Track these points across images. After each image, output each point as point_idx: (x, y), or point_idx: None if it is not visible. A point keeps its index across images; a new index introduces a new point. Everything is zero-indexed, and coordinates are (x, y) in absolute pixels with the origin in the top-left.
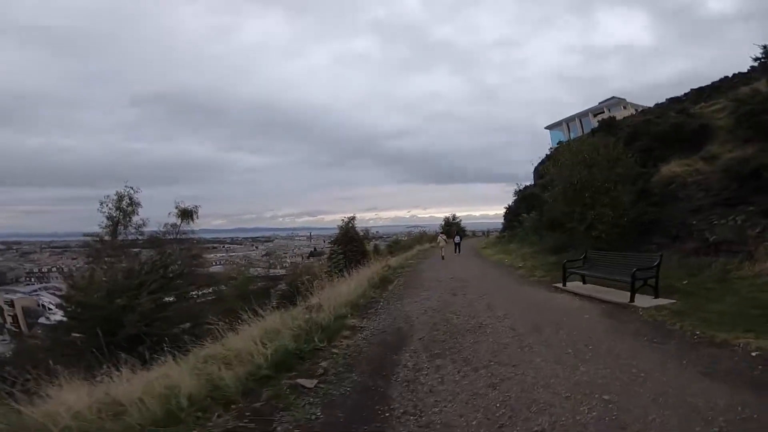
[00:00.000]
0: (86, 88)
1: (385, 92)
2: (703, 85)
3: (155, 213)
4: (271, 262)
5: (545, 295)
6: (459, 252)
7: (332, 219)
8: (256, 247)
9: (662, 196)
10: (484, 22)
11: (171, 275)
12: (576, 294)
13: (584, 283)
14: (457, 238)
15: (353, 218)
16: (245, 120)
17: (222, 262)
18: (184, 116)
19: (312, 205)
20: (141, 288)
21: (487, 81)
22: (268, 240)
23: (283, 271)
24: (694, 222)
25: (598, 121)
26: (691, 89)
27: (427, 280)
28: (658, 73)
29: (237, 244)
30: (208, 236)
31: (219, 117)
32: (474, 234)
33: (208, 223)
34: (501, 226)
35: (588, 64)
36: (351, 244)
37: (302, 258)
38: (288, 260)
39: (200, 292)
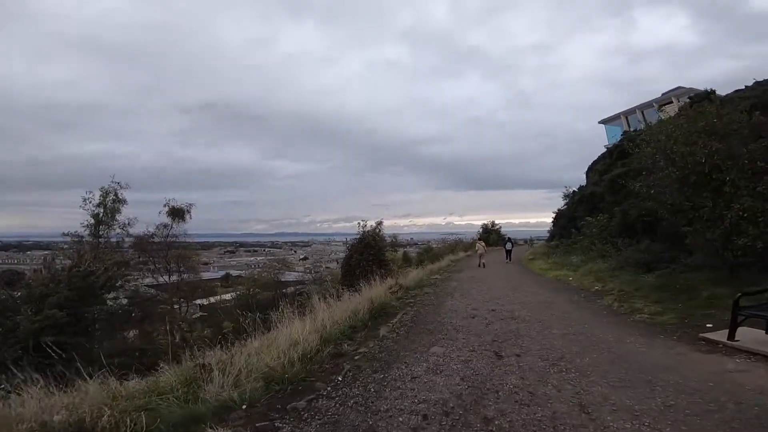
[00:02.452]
0: (140, 98)
1: (418, 99)
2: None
3: (202, 216)
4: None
5: (700, 367)
6: (510, 260)
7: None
8: (295, 251)
9: None
10: (515, 28)
11: (97, 285)
12: None
13: None
14: (508, 245)
15: (380, 223)
16: (286, 128)
17: (251, 266)
18: (230, 124)
19: (348, 211)
20: (44, 299)
21: (522, 86)
22: (306, 244)
23: (294, 276)
24: None
25: (689, 97)
26: None
27: (451, 313)
28: (705, 72)
29: (277, 248)
30: (250, 240)
31: (262, 125)
32: (515, 242)
33: (251, 227)
34: (547, 234)
35: (628, 67)
36: (366, 252)
37: (336, 263)
38: (323, 265)
39: (189, 305)
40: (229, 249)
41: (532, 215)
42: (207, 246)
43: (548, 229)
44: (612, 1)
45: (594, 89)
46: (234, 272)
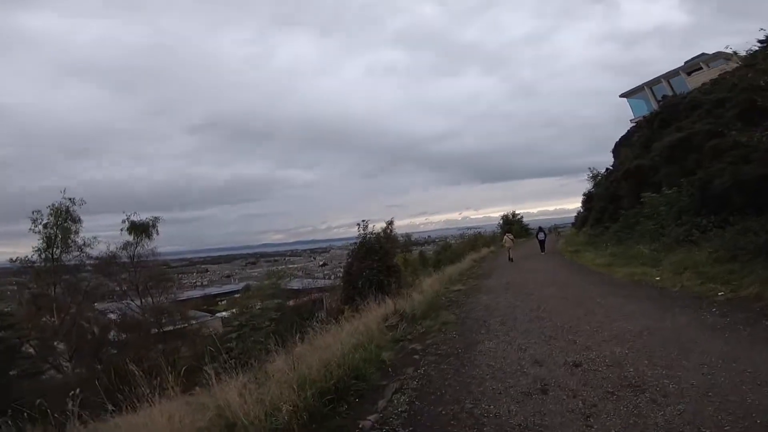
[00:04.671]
0: (148, 120)
1: (421, 98)
2: None
3: (220, 231)
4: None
5: None
6: (544, 251)
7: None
8: (314, 258)
9: None
10: (506, 21)
11: None
12: None
13: None
14: (541, 235)
15: (391, 223)
16: (292, 138)
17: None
18: (237, 140)
19: (364, 214)
20: None
21: (522, 77)
22: (325, 250)
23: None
24: None
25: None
26: None
27: (494, 381)
28: (703, 49)
29: (296, 256)
30: (270, 250)
31: (268, 138)
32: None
33: (269, 237)
34: (573, 220)
35: (624, 51)
36: (369, 259)
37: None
38: (341, 270)
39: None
40: (250, 261)
41: (550, 203)
42: (229, 259)
43: (575, 214)
44: None
45: (595, 75)
46: (254, 283)
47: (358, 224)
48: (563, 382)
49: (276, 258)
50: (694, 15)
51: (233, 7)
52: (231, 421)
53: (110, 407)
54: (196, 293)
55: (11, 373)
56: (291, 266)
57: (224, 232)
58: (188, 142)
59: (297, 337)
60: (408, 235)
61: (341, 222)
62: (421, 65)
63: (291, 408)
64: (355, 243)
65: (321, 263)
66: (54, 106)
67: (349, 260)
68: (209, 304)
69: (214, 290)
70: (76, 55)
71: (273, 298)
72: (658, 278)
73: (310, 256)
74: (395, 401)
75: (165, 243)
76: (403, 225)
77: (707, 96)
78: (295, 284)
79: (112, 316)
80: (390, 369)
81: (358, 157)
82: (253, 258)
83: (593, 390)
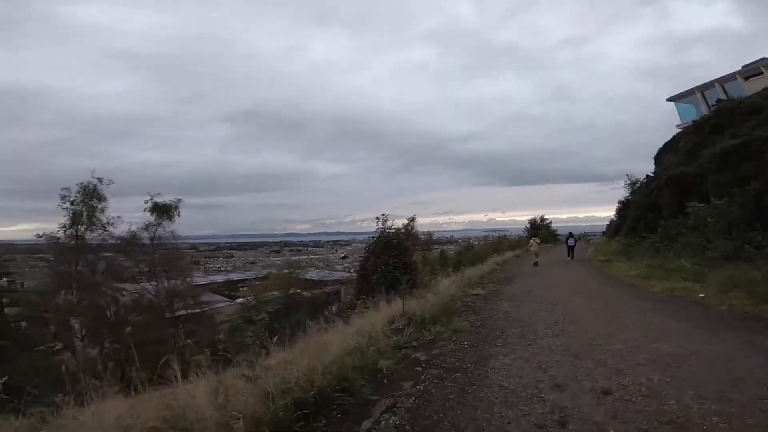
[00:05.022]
0: (185, 108)
1: (450, 98)
2: None
3: (248, 217)
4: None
5: None
6: (572, 257)
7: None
8: (336, 250)
9: None
10: (545, 23)
11: None
12: None
13: None
14: (571, 241)
15: (413, 219)
16: (322, 131)
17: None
18: (269, 130)
19: (388, 209)
20: None
21: (559, 80)
22: (347, 243)
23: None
24: None
25: None
26: None
27: (506, 408)
28: (759, 56)
29: (319, 247)
30: (294, 239)
31: (299, 130)
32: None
33: (294, 227)
34: (604, 229)
35: (672, 56)
36: (386, 254)
37: None
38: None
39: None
40: (274, 249)
41: (581, 209)
42: (254, 246)
43: (607, 222)
44: None
45: (636, 80)
46: (275, 271)
47: (377, 218)
48: (588, 413)
49: (299, 248)
50: (753, 20)
51: (271, 0)
52: (187, 425)
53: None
54: (220, 278)
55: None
56: (313, 257)
57: (251, 219)
58: (222, 130)
59: (290, 334)
60: (429, 233)
61: (365, 216)
62: (452, 65)
63: (252, 420)
64: (373, 237)
65: (342, 255)
66: (99, 91)
67: (366, 254)
68: (231, 288)
69: (237, 275)
70: (122, 44)
71: (280, 289)
72: (702, 295)
73: (333, 248)
74: (383, 423)
75: (195, 228)
76: (426, 223)
77: None
78: (314, 275)
79: (127, 297)
80: (386, 381)
81: (384, 153)
82: (278, 246)
83: (624, 425)
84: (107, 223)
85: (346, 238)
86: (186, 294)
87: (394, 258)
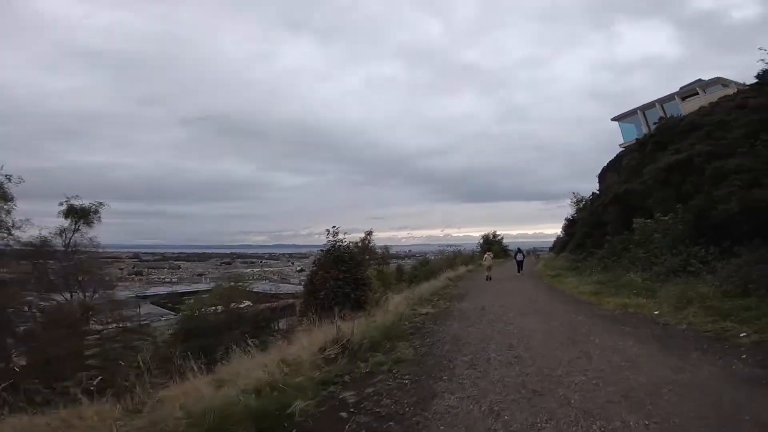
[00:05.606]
0: (140, 108)
1: (415, 114)
2: None
3: (199, 228)
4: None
5: None
6: (521, 272)
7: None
8: (292, 263)
9: None
10: (508, 45)
11: None
12: None
13: None
14: (519, 256)
15: (370, 233)
16: (286, 141)
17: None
18: (229, 137)
19: (347, 223)
20: None
21: (515, 101)
22: (304, 256)
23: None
24: None
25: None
26: None
27: None
28: (685, 82)
29: (274, 260)
30: (249, 251)
31: (262, 138)
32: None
33: (249, 238)
34: (551, 245)
35: (616, 80)
36: (336, 269)
37: None
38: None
39: None
40: (225, 260)
41: (529, 227)
42: (204, 257)
43: (554, 239)
44: (598, 15)
45: (583, 102)
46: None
47: (328, 230)
48: None
49: (253, 260)
50: (689, 48)
51: (241, 3)
52: None
53: None
54: (163, 290)
55: None
56: (268, 269)
57: (203, 230)
58: (180, 133)
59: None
60: (386, 248)
61: (324, 229)
62: (419, 81)
63: None
64: (322, 250)
65: (298, 268)
66: (54, 87)
67: (314, 268)
68: (175, 302)
69: (182, 288)
70: (84, 40)
71: (221, 303)
72: (656, 312)
73: (289, 260)
74: None
75: (139, 236)
76: (385, 237)
77: (707, 117)
78: (269, 287)
79: (33, 309)
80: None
81: (348, 166)
82: (229, 258)
83: None
84: (12, 226)
85: (303, 250)
86: (101, 308)
87: (345, 273)
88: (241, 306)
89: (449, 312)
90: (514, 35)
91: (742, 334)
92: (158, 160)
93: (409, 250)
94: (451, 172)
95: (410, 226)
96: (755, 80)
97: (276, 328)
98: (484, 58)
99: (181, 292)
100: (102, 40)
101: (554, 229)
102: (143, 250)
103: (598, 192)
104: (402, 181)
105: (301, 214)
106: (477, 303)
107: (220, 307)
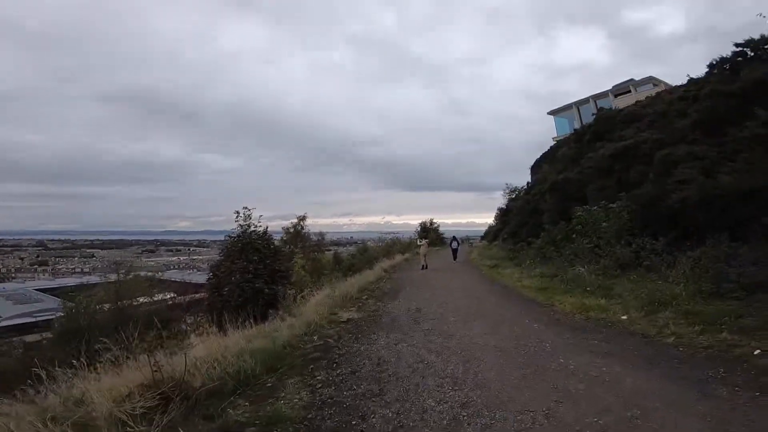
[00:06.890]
0: (56, 84)
1: (361, 102)
2: None
3: (118, 211)
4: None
5: None
6: (456, 259)
7: (309, 223)
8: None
9: None
10: (455, 41)
11: None
12: None
13: None
14: (454, 244)
15: (303, 219)
16: (221, 123)
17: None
18: (157, 117)
19: (286, 209)
20: None
21: (456, 95)
22: None
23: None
24: None
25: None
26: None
27: None
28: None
29: (204, 247)
30: (174, 238)
31: (193, 119)
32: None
33: (175, 224)
34: (482, 233)
35: (547, 82)
36: (243, 259)
37: None
38: None
39: None
40: (148, 248)
41: (463, 216)
42: (124, 245)
43: (486, 228)
44: (540, 19)
45: (518, 100)
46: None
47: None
48: None
49: (179, 248)
50: (615, 56)
51: None
52: None
53: None
54: (72, 281)
55: None
56: (196, 257)
57: (124, 214)
58: (100, 111)
59: None
60: (322, 234)
61: (259, 215)
62: (367, 70)
63: None
64: (229, 236)
65: None
66: None
67: (220, 258)
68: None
69: (94, 279)
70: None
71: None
72: (624, 317)
73: (221, 248)
74: None
75: (46, 221)
76: (327, 224)
77: (647, 109)
78: (195, 278)
79: None
80: None
81: (288, 151)
82: (152, 245)
83: None
84: None
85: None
86: None
87: (257, 264)
88: (137, 303)
89: (377, 318)
90: (461, 31)
91: (756, 352)
92: (72, 139)
93: (351, 237)
94: (393, 160)
95: (353, 213)
96: (688, 77)
97: (183, 328)
98: (432, 52)
99: (93, 284)
100: (19, 11)
101: (485, 219)
102: (51, 237)
103: (531, 182)
104: (345, 168)
105: (234, 199)
106: (412, 302)
107: (107, 305)
